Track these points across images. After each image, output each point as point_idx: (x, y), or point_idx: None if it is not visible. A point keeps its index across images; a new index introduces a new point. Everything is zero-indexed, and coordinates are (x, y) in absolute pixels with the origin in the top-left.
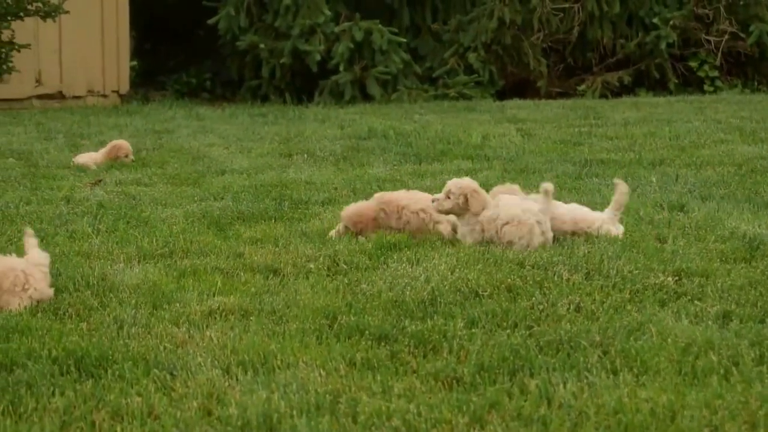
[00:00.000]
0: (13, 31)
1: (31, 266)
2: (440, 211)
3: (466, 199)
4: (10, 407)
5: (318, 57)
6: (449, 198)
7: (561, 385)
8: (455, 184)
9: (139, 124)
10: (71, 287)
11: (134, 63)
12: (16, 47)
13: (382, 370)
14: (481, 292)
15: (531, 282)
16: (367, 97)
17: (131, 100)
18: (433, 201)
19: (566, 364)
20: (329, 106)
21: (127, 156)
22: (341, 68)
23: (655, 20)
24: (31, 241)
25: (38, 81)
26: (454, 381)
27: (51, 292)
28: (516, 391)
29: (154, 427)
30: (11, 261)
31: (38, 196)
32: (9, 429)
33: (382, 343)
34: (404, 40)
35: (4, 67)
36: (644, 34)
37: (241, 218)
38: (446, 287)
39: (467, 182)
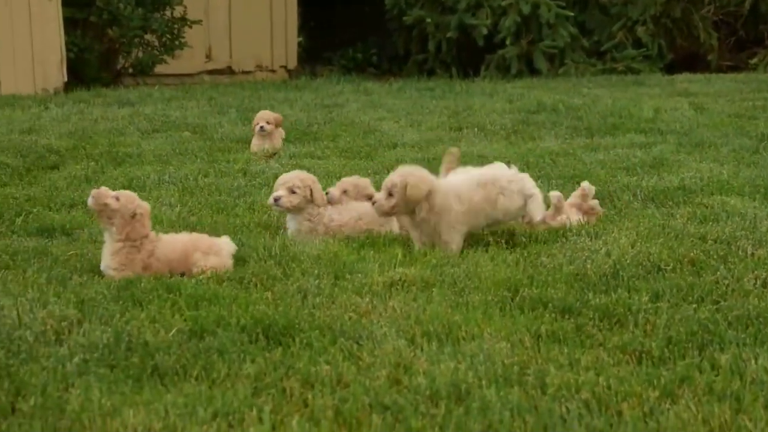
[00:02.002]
0: (185, 7)
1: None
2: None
3: (311, 192)
4: (203, 373)
5: (485, 31)
6: (295, 193)
7: (752, 361)
8: (296, 177)
9: (308, 99)
10: (254, 257)
11: (300, 39)
12: (188, 23)
13: (568, 342)
14: (663, 266)
15: (714, 256)
16: (533, 72)
17: (299, 75)
18: (275, 201)
19: (757, 339)
20: (495, 80)
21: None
22: (508, 42)
23: None
24: None
25: (208, 56)
26: (642, 354)
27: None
28: (706, 365)
29: (345, 395)
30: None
31: (215, 169)
32: (204, 394)
33: (566, 316)
34: (571, 13)
35: (177, 42)
36: None
37: None
38: (628, 261)
39: (306, 174)
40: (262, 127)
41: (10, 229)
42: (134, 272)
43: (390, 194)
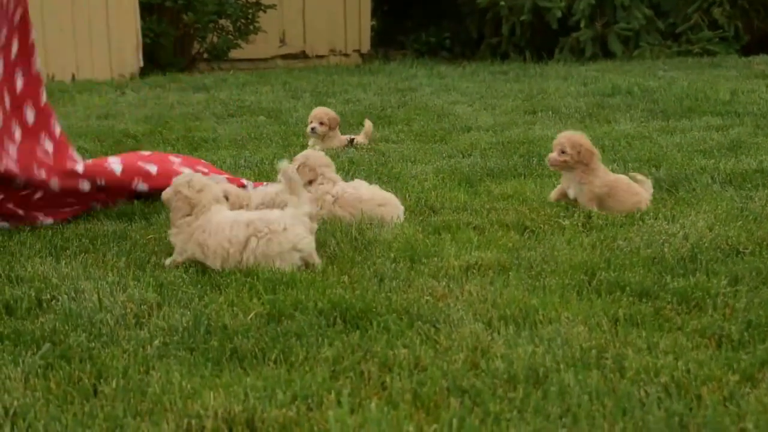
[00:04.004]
0: None
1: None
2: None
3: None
4: (281, 356)
5: (559, 14)
6: (564, 153)
7: None
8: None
9: (382, 83)
10: (332, 241)
11: (373, 23)
12: (262, 8)
13: (647, 326)
14: (742, 250)
15: None
16: (607, 54)
17: (372, 59)
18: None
19: None
20: (570, 63)
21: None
22: (582, 25)
23: None
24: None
25: (282, 41)
26: (722, 338)
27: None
28: None
29: (422, 378)
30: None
31: (291, 153)
32: (282, 377)
33: (644, 300)
34: None
35: (251, 27)
36: None
37: (491, 175)
38: (706, 244)
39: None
40: (313, 129)
41: (90, 213)
42: None
43: (563, 151)
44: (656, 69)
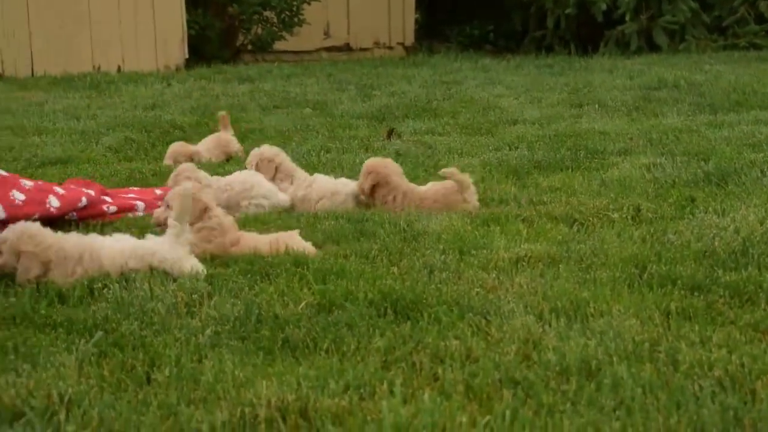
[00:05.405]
0: None
1: None
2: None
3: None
4: (333, 346)
5: (604, 7)
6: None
7: None
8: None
9: (426, 75)
10: (381, 233)
11: (417, 15)
12: (307, 0)
13: (699, 320)
14: None
15: None
16: (653, 48)
17: (416, 52)
18: None
19: None
20: (615, 56)
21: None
22: (627, 18)
23: None
24: None
25: (326, 33)
26: None
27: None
28: None
29: (474, 370)
30: None
31: (337, 145)
32: (335, 366)
33: (696, 293)
34: None
35: (295, 20)
36: None
37: (538, 167)
38: (757, 238)
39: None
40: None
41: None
42: None
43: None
44: (702, 63)
